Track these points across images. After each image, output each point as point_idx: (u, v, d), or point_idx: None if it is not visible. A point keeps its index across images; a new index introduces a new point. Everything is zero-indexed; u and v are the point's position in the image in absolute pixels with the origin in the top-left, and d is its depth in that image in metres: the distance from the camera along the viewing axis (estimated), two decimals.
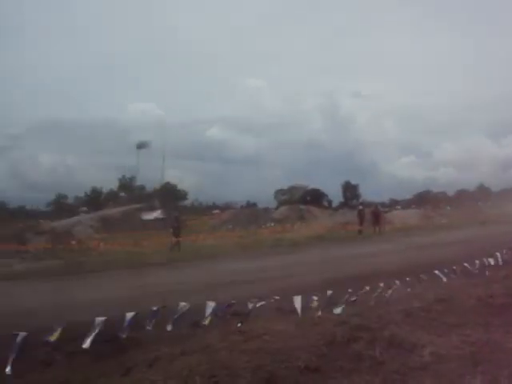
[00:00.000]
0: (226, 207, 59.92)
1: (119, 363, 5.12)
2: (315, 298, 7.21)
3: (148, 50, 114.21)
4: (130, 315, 5.95)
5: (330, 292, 7.34)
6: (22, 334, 5.14)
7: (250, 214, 44.43)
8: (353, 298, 7.56)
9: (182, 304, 6.54)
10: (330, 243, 22.29)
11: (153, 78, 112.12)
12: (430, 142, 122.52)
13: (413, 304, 6.69)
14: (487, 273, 10.08)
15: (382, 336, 5.04)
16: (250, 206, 58.42)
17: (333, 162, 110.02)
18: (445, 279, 9.36)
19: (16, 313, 8.40)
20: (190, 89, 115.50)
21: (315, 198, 64.11)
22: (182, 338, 5.71)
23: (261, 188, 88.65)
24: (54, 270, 15.35)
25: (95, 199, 61.49)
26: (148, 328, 6.35)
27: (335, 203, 68.63)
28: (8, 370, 4.99)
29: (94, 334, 5.74)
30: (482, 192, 60.83)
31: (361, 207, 30.21)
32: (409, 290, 8.35)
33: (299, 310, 6.82)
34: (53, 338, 5.54)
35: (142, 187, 60.72)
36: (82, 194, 65.73)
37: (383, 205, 51.71)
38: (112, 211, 43.29)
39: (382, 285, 8.14)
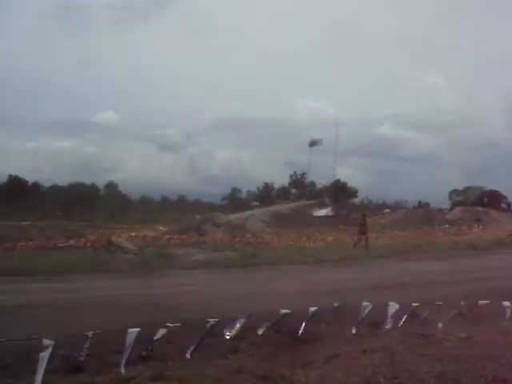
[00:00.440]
0: (396, 206, 58.03)
1: (299, 356, 5.27)
2: (508, 304, 6.79)
3: (319, 50, 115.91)
4: (312, 310, 6.06)
5: None
6: (212, 321, 5.48)
7: (422, 214, 42.28)
8: None
9: (365, 303, 6.48)
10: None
11: (324, 76, 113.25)
12: None
13: None
14: None
15: None
16: (423, 205, 55.52)
17: None
18: None
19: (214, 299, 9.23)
20: (360, 87, 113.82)
21: (493, 199, 58.33)
22: (361, 337, 5.72)
23: (433, 188, 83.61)
24: (232, 260, 16.20)
25: (267, 194, 64.38)
26: (324, 325, 6.39)
27: None
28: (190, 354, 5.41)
29: (271, 324, 5.98)
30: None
31: None
32: None
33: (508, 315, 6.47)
34: (239, 326, 5.78)
35: (313, 184, 61.83)
36: (254, 189, 69.70)
37: None
38: (283, 207, 44.38)
39: None
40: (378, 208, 58.46)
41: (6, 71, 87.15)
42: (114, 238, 21.10)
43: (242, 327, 5.78)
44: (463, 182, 71.92)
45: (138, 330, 4.95)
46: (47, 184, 66.10)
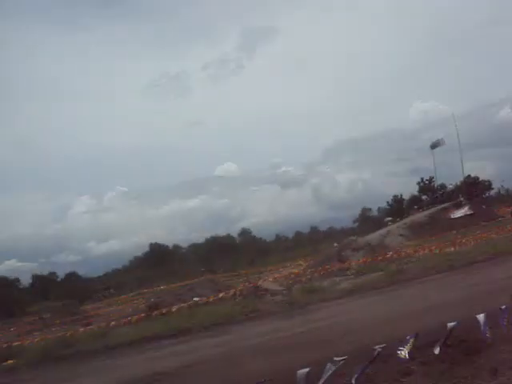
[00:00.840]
0: None
1: (477, 367, 5.08)
2: None
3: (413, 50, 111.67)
4: (480, 316, 5.76)
5: None
6: (378, 348, 5.42)
7: None
8: None
9: None
10: None
11: (425, 74, 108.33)
12: None
13: None
14: None
15: None
16: None
17: None
18: None
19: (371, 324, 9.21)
20: (466, 74, 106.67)
21: None
22: None
23: None
24: (378, 281, 15.67)
25: (398, 207, 62.12)
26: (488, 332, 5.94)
27: None
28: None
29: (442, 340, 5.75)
30: None
31: None
32: None
33: None
34: (407, 348, 5.66)
35: (443, 186, 58.42)
36: (383, 205, 67.60)
37: None
38: (418, 216, 42.88)
39: None
40: None
41: (126, 146, 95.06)
42: (260, 283, 21.70)
43: (410, 347, 5.65)
44: None
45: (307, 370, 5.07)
46: (185, 244, 70.05)
